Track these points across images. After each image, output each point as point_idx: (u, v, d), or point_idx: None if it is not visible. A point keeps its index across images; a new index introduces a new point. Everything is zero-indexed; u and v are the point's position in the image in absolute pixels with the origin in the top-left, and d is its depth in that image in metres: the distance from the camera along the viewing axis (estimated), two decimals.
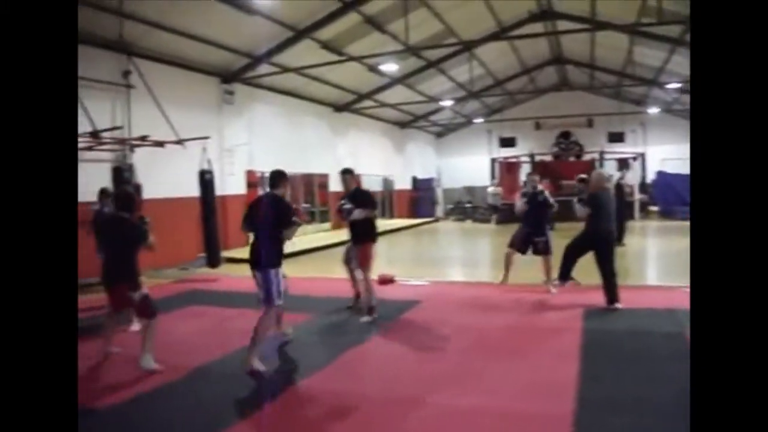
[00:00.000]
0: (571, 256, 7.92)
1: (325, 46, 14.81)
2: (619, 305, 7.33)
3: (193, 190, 11.21)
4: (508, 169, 26.25)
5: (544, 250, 8.53)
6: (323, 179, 20.38)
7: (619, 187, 15.52)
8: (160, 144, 10.88)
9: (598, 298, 7.72)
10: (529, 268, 9.05)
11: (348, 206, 7.27)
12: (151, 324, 5.48)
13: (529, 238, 8.60)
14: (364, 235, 7.33)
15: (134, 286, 5.48)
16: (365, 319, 7.11)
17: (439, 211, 28.38)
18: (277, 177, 5.86)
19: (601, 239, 7.59)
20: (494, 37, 17.55)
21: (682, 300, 7.61)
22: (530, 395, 4.57)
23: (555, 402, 4.35)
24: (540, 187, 9.08)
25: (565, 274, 7.97)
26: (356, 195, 7.42)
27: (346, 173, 7.59)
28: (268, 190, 5.94)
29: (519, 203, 8.84)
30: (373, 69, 17.52)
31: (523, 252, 8.73)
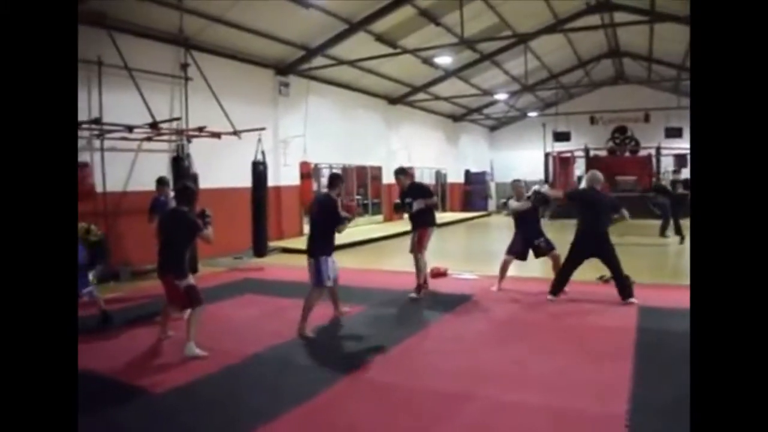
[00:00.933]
0: (568, 270, 7.68)
1: (380, 38, 14.86)
2: (634, 300, 7.36)
3: (248, 181, 11.44)
4: (562, 163, 25.89)
5: (546, 249, 8.29)
6: (376, 171, 20.51)
7: (674, 183, 15.18)
8: (216, 135, 11.11)
9: (655, 297, 7.60)
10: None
11: (408, 200, 8.05)
12: (196, 312, 5.66)
13: (528, 242, 8.37)
14: (422, 222, 8.05)
15: (180, 276, 5.67)
16: (412, 295, 7.86)
17: (492, 204, 28.17)
18: (333, 179, 6.76)
19: (596, 242, 7.49)
20: (549, 29, 17.27)
21: None
22: (582, 394, 4.52)
23: (608, 402, 4.30)
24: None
25: (556, 289, 7.70)
26: (413, 189, 8.12)
27: (400, 173, 8.29)
28: (324, 189, 6.78)
29: (519, 203, 8.51)
30: (426, 61, 17.48)
31: (524, 258, 8.46)
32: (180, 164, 10.77)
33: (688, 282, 9.16)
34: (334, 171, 5.96)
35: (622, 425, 3.88)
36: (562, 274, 7.69)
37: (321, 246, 6.40)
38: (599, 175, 7.94)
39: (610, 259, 7.47)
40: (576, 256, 7.57)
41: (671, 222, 14.64)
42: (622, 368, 5.00)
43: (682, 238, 13.91)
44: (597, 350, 5.64)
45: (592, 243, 7.50)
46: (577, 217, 7.89)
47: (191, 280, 5.79)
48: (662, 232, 14.86)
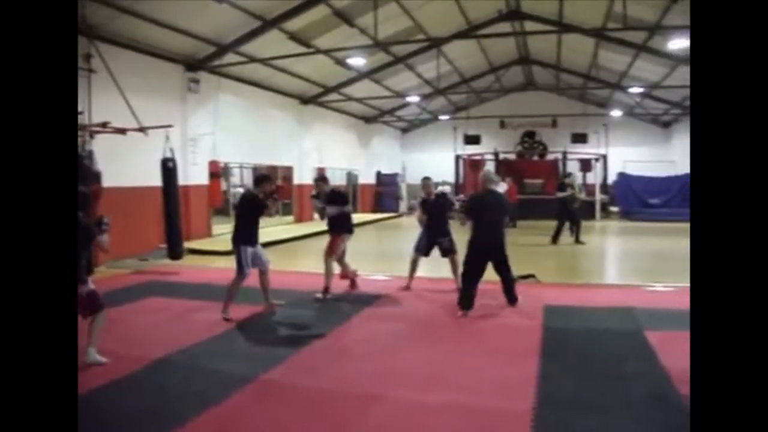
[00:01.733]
0: (469, 280, 7.12)
1: (293, 37, 14.69)
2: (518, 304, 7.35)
3: (155, 180, 10.98)
4: (472, 166, 26.43)
5: (449, 250, 8.42)
6: (287, 172, 20.24)
7: (563, 186, 15.54)
8: (121, 131, 10.64)
9: (559, 296, 7.85)
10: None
11: (320, 205, 8.38)
12: (98, 318, 5.39)
13: (433, 240, 8.48)
14: (338, 228, 8.29)
15: (81, 281, 5.38)
16: (318, 295, 7.96)
17: (403, 206, 28.42)
18: (259, 179, 7.54)
19: (491, 248, 7.16)
20: (462, 35, 17.61)
21: (641, 298, 7.89)
22: (491, 391, 4.58)
23: (515, 399, 4.38)
24: (444, 188, 9.30)
25: (466, 302, 7.07)
26: (329, 196, 8.35)
27: (320, 180, 8.71)
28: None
29: (417, 213, 8.75)
30: (340, 62, 17.44)
31: (427, 254, 8.60)
32: (81, 162, 10.24)
33: (592, 281, 9.62)
34: (262, 172, 6.61)
35: (528, 420, 3.96)
36: (466, 290, 7.11)
37: (243, 236, 7.06)
38: (493, 174, 7.80)
39: (505, 262, 7.25)
40: (476, 269, 7.10)
41: (573, 225, 14.86)
42: (529, 365, 5.11)
43: (554, 239, 14.44)
44: (505, 349, 5.74)
45: (488, 252, 7.17)
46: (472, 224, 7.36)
47: (91, 285, 5.50)
48: (575, 237, 14.90)
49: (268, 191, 7.24)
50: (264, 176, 7.74)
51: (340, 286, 8.41)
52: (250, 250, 7.03)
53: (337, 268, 8.37)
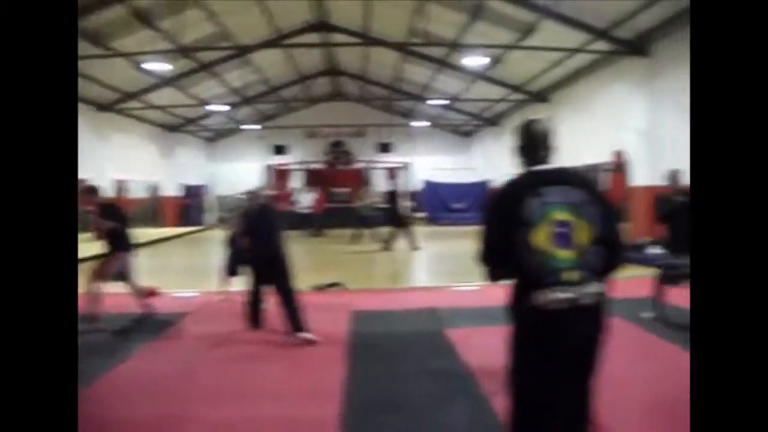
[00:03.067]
0: (254, 304, 6.60)
1: (88, 37, 13.44)
2: (306, 335, 6.02)
3: None
4: (280, 176, 26.26)
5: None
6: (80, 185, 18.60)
7: (393, 194, 16.04)
8: None
9: (368, 301, 7.93)
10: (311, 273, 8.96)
11: (95, 221, 7.34)
12: None
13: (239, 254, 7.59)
14: (113, 246, 7.28)
15: None
16: (85, 326, 6.44)
17: (212, 218, 27.41)
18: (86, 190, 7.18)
19: (269, 266, 6.28)
20: (271, 43, 17.34)
21: (444, 299, 8.23)
22: (298, 401, 4.50)
23: (323, 406, 4.32)
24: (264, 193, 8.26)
25: (254, 324, 6.55)
26: (105, 209, 7.36)
27: (88, 192, 7.43)
28: None
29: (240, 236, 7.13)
30: (140, 67, 16.35)
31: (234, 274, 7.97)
32: None
33: (399, 285, 9.82)
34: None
35: (334, 426, 3.93)
36: (252, 312, 6.61)
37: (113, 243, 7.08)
38: (262, 186, 7.39)
39: (284, 286, 6.18)
40: (255, 290, 6.54)
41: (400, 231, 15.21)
42: (337, 372, 5.08)
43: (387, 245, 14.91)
44: (312, 357, 5.65)
45: (265, 269, 6.36)
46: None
47: None
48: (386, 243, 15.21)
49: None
50: (90, 187, 7.32)
51: (140, 305, 7.69)
52: (121, 255, 7.00)
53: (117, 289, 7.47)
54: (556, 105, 18.44)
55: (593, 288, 2.53)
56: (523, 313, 2.58)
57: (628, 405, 4.33)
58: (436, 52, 17.84)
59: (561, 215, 2.51)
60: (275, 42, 17.35)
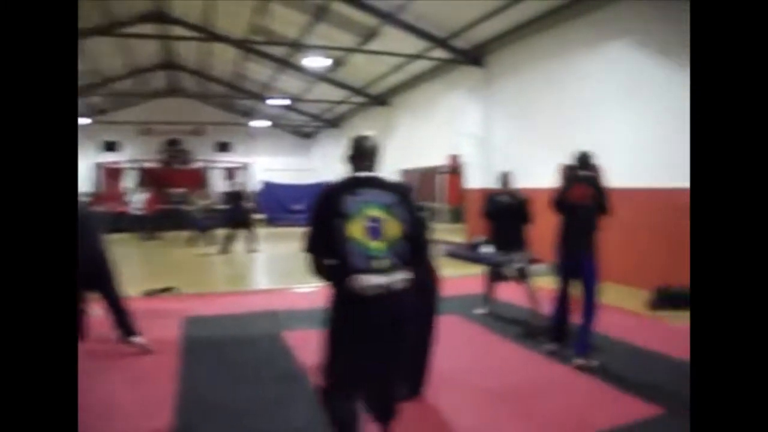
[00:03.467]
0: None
1: None
2: (138, 340, 5.84)
3: None
4: (111, 175, 24.96)
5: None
6: None
7: (238, 195, 15.74)
8: None
9: (204, 306, 7.87)
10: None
11: None
12: None
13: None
14: None
15: None
16: None
17: None
18: None
19: (90, 268, 5.54)
20: (103, 31, 16.41)
21: (283, 301, 8.27)
22: (126, 415, 4.31)
23: (154, 418, 4.22)
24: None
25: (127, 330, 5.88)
26: None
27: None
28: None
29: None
30: None
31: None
32: None
33: (239, 288, 9.76)
34: None
35: None
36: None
37: None
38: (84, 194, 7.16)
39: (109, 291, 5.76)
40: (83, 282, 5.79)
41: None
42: (168, 381, 4.95)
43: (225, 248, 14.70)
44: (143, 367, 5.43)
45: (87, 275, 5.65)
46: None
47: None
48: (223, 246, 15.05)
49: None
50: None
51: None
52: None
53: None
54: (396, 108, 19.15)
55: (400, 275, 3.05)
56: (340, 294, 3.05)
57: (466, 394, 4.72)
58: (278, 51, 17.87)
59: (374, 212, 3.04)
60: (108, 29, 16.45)
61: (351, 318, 3.04)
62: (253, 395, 4.63)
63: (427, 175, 18.14)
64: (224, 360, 5.60)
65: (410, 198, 3.23)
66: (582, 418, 4.20)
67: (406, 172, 18.92)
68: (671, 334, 6.34)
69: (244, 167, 26.37)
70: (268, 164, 27.93)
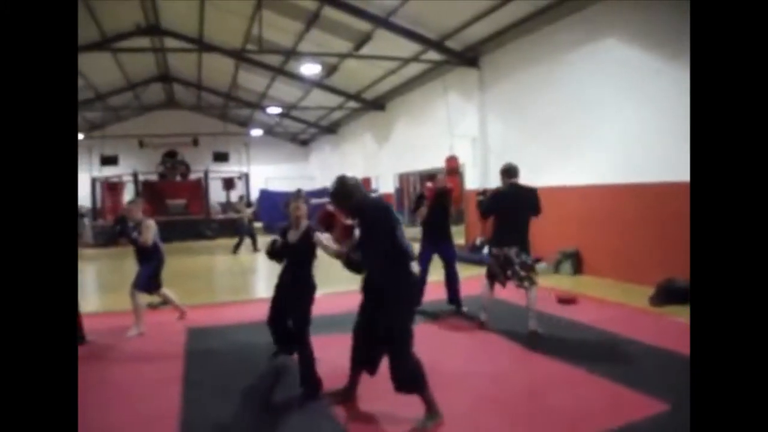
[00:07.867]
0: None
1: None
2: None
3: None
4: (111, 189, 24.93)
5: None
6: None
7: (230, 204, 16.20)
8: None
9: (205, 317, 7.80)
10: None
11: None
12: None
13: None
14: None
15: None
16: None
17: None
18: None
19: None
20: (97, 46, 16.44)
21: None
22: (129, 429, 4.27)
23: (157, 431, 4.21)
24: None
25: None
26: None
27: None
28: None
29: None
30: None
31: None
32: None
33: (240, 297, 9.69)
34: None
35: None
36: None
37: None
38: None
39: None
40: None
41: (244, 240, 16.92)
42: (172, 394, 4.89)
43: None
44: (145, 380, 5.37)
45: None
46: None
47: None
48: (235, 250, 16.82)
49: None
50: None
51: None
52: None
53: None
54: (393, 112, 19.15)
55: None
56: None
57: (466, 395, 4.70)
58: (272, 60, 17.87)
59: None
60: (102, 45, 16.47)
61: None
62: (257, 408, 4.56)
63: (426, 177, 18.05)
64: (227, 371, 5.46)
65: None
66: (587, 416, 4.19)
67: (404, 176, 18.92)
68: (674, 330, 6.32)
69: (242, 176, 26.38)
70: (265, 172, 27.95)
